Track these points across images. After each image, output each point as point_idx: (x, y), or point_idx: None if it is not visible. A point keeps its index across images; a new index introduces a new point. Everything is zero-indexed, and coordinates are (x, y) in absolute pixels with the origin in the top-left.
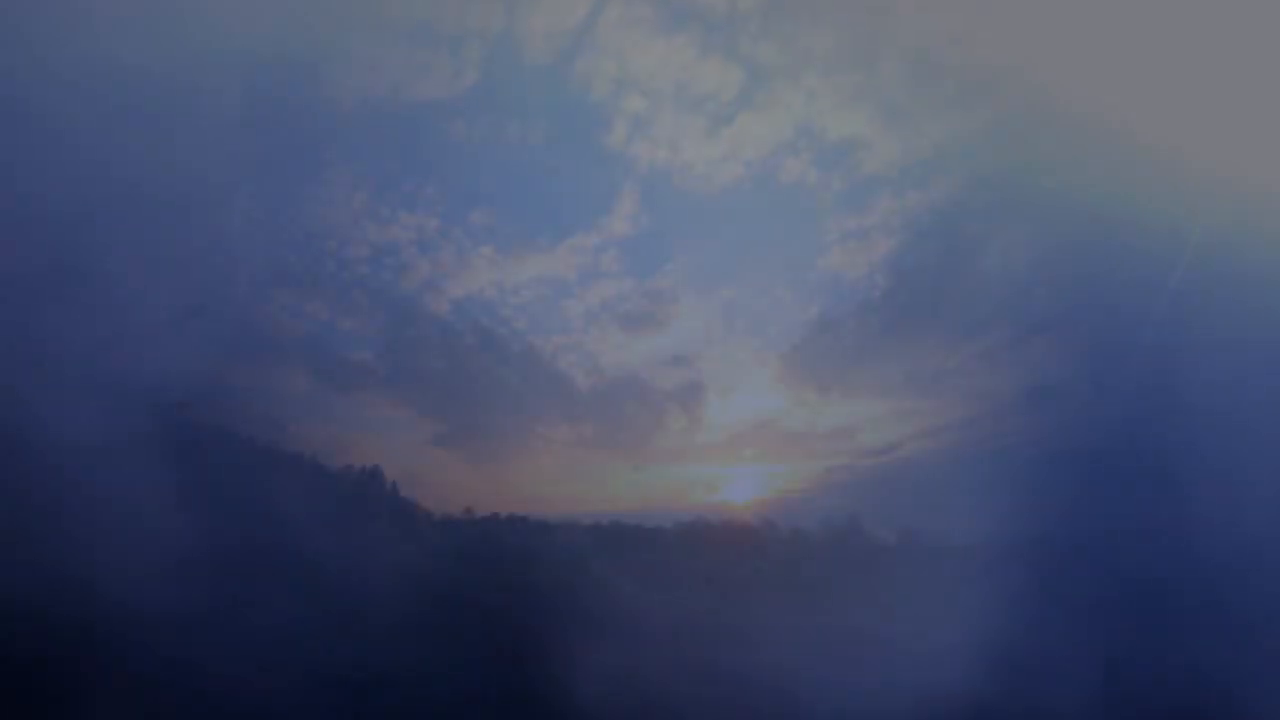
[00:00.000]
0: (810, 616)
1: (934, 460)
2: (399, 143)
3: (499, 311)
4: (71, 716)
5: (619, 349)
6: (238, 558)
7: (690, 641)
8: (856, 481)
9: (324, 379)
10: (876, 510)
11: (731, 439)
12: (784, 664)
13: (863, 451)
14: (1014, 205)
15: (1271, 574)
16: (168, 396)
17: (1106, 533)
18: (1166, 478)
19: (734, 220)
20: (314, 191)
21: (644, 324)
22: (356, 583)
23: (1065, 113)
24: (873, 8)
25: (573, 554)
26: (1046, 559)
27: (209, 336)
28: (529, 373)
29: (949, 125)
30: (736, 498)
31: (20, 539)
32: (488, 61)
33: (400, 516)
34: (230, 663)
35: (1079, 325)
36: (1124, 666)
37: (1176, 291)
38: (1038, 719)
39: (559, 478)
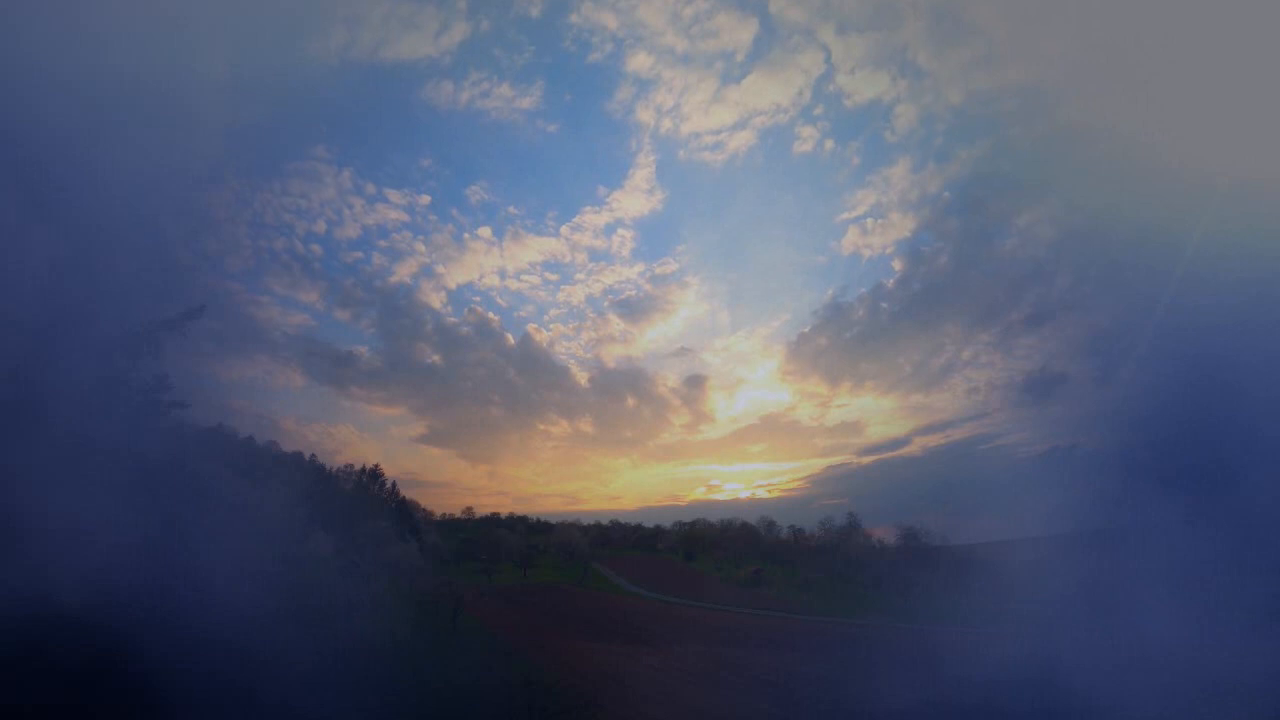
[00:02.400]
0: (816, 618)
1: (944, 457)
2: (382, 108)
3: (497, 300)
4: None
5: (621, 339)
6: (238, 559)
7: (695, 643)
8: (864, 478)
9: (320, 376)
10: (884, 508)
11: (737, 435)
12: (797, 667)
13: (871, 447)
14: (1039, 180)
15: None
16: (165, 397)
17: (1130, 530)
18: (1190, 476)
19: (745, 196)
20: (297, 166)
21: (648, 311)
22: (355, 583)
23: (1096, 77)
24: None
25: (573, 554)
26: (1063, 558)
27: (205, 334)
28: (528, 366)
29: (974, 90)
30: (741, 495)
31: (15, 543)
32: (475, 13)
33: (400, 516)
34: (226, 663)
35: (1099, 312)
36: (1158, 664)
37: (1207, 279)
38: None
39: (559, 477)
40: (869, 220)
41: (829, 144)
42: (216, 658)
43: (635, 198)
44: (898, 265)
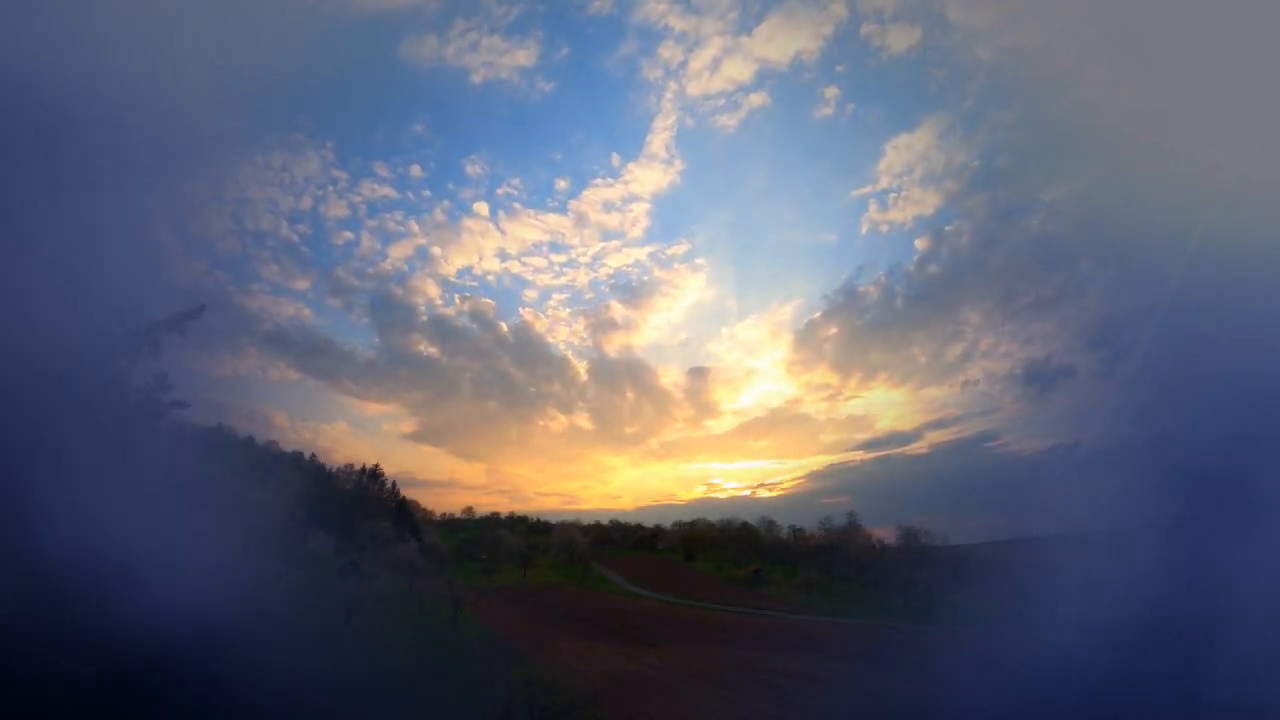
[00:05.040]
0: (816, 618)
1: (951, 454)
2: (362, 68)
3: (495, 286)
4: None
5: (624, 326)
6: (238, 559)
7: (695, 642)
8: (869, 475)
9: (313, 371)
10: (887, 507)
11: (740, 430)
12: (797, 666)
13: (878, 442)
14: (1069, 151)
15: None
16: (165, 397)
17: (1135, 529)
18: (1208, 476)
19: (760, 167)
20: (279, 140)
21: (653, 296)
22: (356, 583)
23: (1134, 35)
24: None
25: (573, 554)
26: (1066, 558)
27: (199, 329)
28: (526, 358)
29: (1006, 48)
30: (743, 494)
31: (18, 546)
32: None
33: (400, 516)
34: (223, 663)
35: (1116, 300)
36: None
37: (1230, 272)
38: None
39: (557, 475)
40: (891, 195)
41: (850, 107)
42: (216, 658)
43: (652, 168)
44: (919, 244)
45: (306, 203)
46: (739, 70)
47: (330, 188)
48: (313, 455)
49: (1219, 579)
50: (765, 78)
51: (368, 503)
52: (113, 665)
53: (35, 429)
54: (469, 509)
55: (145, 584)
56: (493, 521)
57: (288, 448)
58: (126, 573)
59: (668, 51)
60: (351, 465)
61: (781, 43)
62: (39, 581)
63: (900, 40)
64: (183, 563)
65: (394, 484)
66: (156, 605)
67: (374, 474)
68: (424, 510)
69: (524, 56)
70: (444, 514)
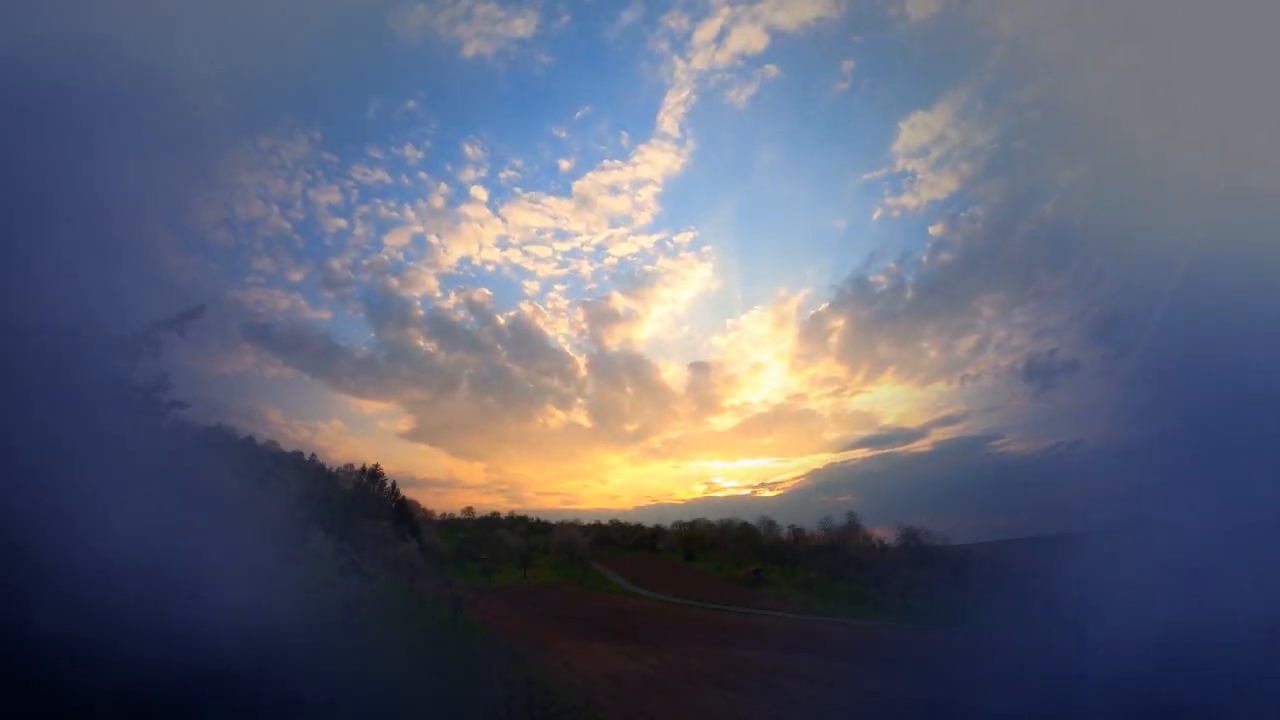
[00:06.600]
0: (816, 617)
1: (955, 452)
2: (347, 41)
3: (494, 278)
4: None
5: (625, 320)
6: (241, 559)
7: (695, 642)
8: (871, 474)
9: (309, 369)
10: (890, 506)
11: (741, 427)
12: (797, 666)
13: (882, 439)
14: (1085, 136)
15: None
16: (165, 397)
17: (1140, 527)
18: (1213, 474)
19: (770, 149)
20: (263, 122)
21: (656, 287)
22: (356, 583)
23: (1148, 25)
24: None
25: (573, 554)
26: (1065, 558)
27: (196, 327)
28: (526, 354)
29: (1028, 19)
30: (743, 493)
31: (17, 547)
32: None
33: (400, 516)
34: (223, 663)
35: (1130, 293)
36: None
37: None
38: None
39: (556, 475)
40: (905, 179)
41: (865, 82)
42: (216, 658)
43: (664, 149)
44: (933, 231)
45: (296, 189)
46: (750, 40)
47: (320, 172)
48: (313, 455)
49: (1223, 579)
50: (778, 49)
51: (368, 503)
52: (112, 665)
53: (36, 430)
54: (469, 509)
55: (147, 585)
56: (492, 521)
57: (285, 447)
58: (129, 575)
59: (673, 20)
60: (351, 465)
61: (795, 8)
62: (39, 584)
63: (919, 6)
64: (185, 564)
65: (394, 484)
66: (159, 606)
67: (374, 474)
68: (424, 510)
69: (521, 26)
70: (444, 514)
